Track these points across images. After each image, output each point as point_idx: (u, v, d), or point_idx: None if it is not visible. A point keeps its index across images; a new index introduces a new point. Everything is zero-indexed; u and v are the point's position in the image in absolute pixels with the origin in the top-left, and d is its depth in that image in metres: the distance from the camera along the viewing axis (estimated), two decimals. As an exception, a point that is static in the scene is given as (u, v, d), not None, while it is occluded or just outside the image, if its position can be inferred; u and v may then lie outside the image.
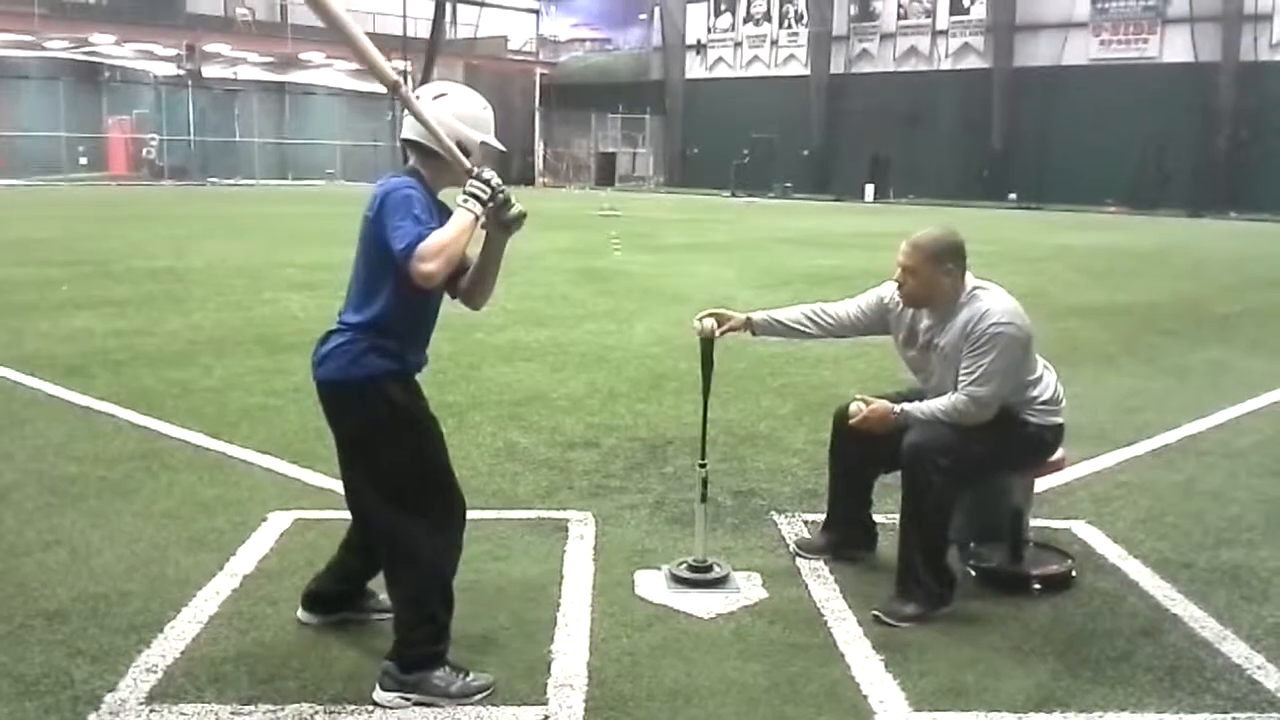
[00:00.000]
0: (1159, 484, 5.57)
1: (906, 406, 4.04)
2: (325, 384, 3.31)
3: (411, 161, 3.37)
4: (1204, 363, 9.13)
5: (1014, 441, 4.06)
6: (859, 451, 4.24)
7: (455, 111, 3.30)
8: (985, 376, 3.90)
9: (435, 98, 3.33)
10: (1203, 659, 3.61)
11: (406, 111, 3.30)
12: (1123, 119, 39.72)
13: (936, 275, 3.99)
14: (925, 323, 4.12)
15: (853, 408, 4.12)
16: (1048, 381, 4.14)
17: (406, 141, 3.35)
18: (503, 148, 3.39)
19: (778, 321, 4.40)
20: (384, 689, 3.21)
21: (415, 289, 3.12)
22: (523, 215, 3.29)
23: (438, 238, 3.07)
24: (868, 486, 4.42)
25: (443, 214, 3.25)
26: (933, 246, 4.00)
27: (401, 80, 3.26)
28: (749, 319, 4.31)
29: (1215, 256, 20.45)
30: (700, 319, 4.14)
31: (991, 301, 3.99)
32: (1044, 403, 4.10)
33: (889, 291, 4.24)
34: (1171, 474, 5.77)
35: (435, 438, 3.39)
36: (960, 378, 3.96)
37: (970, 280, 4.06)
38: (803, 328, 4.39)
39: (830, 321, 4.37)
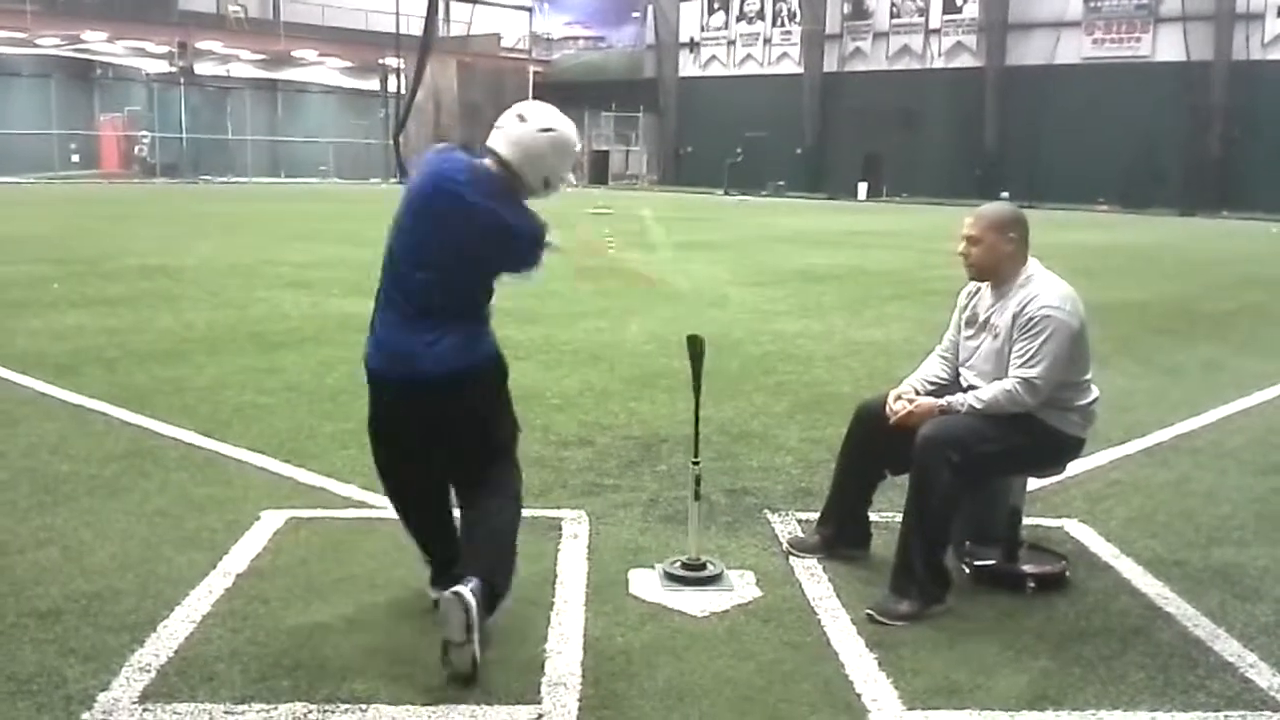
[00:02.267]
0: (1151, 483, 5.59)
1: (951, 399, 4.05)
2: (474, 371, 3.50)
3: (489, 164, 3.48)
4: (1196, 362, 9.15)
5: (1033, 445, 4.04)
6: (877, 448, 4.25)
7: (557, 149, 3.47)
8: (1036, 358, 3.91)
9: (542, 129, 3.44)
10: (1195, 657, 3.61)
11: (509, 131, 3.44)
12: (1115, 118, 39.87)
13: (1000, 243, 4.06)
14: (986, 301, 4.17)
15: (897, 405, 4.14)
16: (1092, 395, 4.13)
17: (495, 154, 3.46)
18: (575, 183, 3.62)
19: (932, 380, 4.35)
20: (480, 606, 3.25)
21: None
22: None
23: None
24: (872, 485, 4.42)
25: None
26: (996, 215, 4.12)
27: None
28: (916, 390, 4.29)
29: (1208, 256, 20.51)
30: (895, 401, 4.18)
31: (1046, 285, 4.03)
32: (1079, 408, 4.08)
33: (961, 292, 4.33)
34: (1164, 473, 5.78)
35: None
36: (1012, 362, 3.97)
37: (1032, 262, 4.11)
38: (950, 372, 4.36)
39: (951, 353, 4.37)
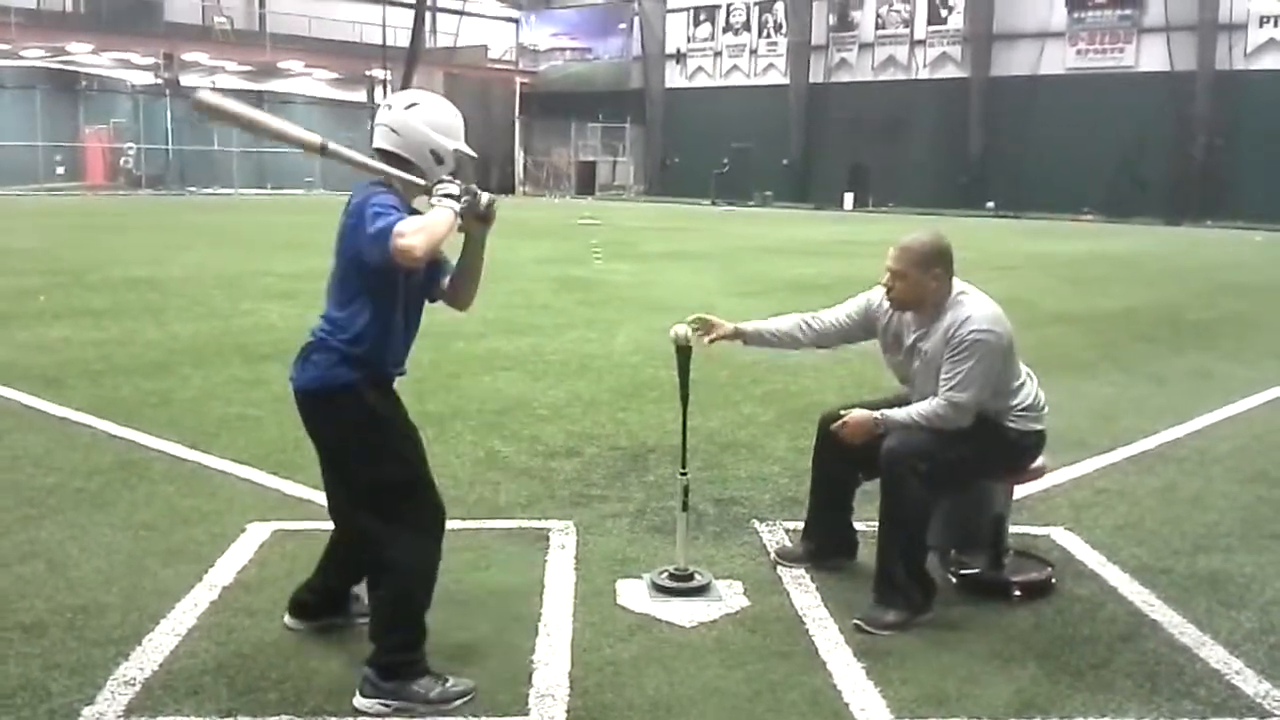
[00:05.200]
0: (1137, 490, 5.61)
1: (886, 412, 4.06)
2: (302, 393, 3.33)
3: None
4: (1181, 369, 9.19)
5: (993, 448, 4.07)
6: (841, 458, 4.25)
7: (427, 120, 3.33)
8: (964, 382, 3.92)
9: (407, 107, 3.35)
10: (1182, 664, 3.63)
11: (381, 122, 3.34)
12: (1099, 128, 40.01)
13: (925, 280, 4.01)
14: (910, 327, 4.14)
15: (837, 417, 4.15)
16: (1029, 389, 4.16)
17: (380, 151, 3.36)
18: (473, 154, 3.43)
19: (769, 333, 4.43)
20: (364, 695, 3.22)
21: (388, 294, 3.23)
22: (494, 201, 3.33)
23: (416, 219, 3.10)
24: (849, 494, 4.43)
25: None
26: (921, 251, 4.03)
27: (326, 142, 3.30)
28: (738, 329, 4.34)
29: (1192, 264, 20.61)
30: (679, 327, 4.13)
31: (973, 308, 4.01)
32: (1024, 409, 4.11)
33: (876, 297, 4.26)
34: (1150, 480, 5.80)
35: (415, 445, 3.42)
36: (940, 383, 3.98)
37: (956, 285, 4.08)
38: (793, 337, 4.42)
39: (817, 329, 4.39)
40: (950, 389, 3.94)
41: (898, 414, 4.03)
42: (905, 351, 4.17)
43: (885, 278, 4.09)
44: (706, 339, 4.25)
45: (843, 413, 4.16)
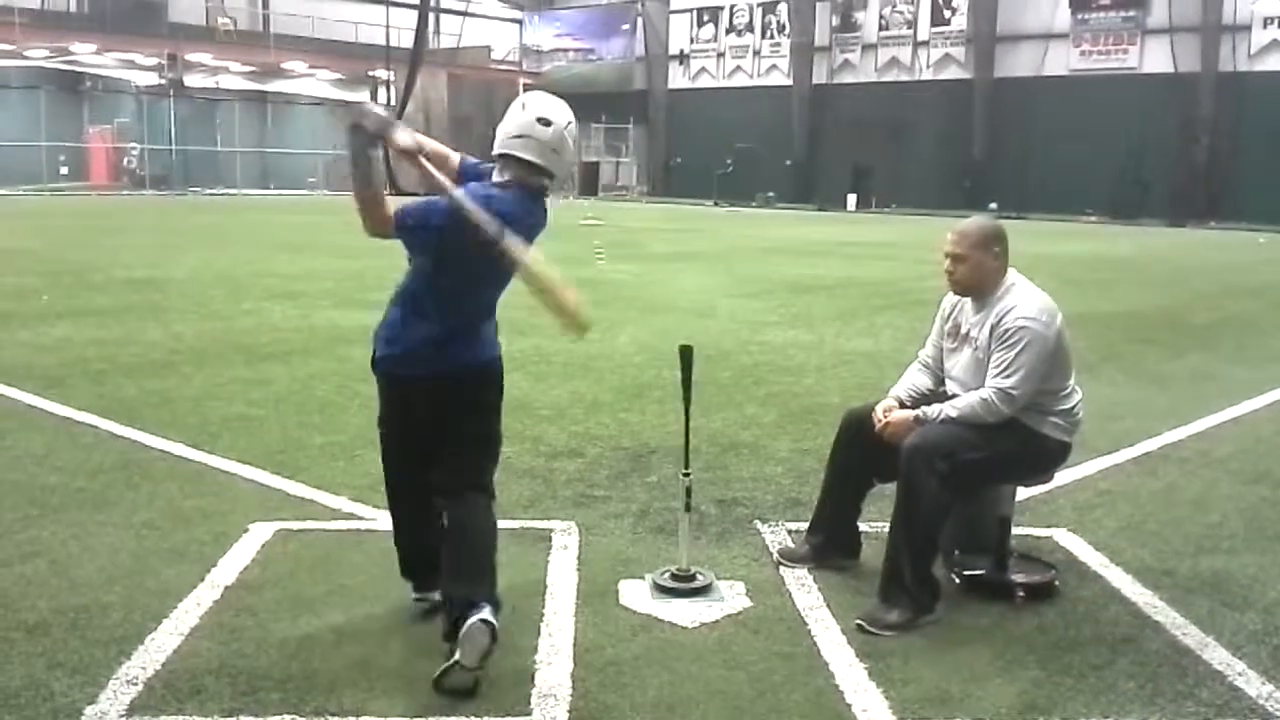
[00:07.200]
0: (1140, 492, 5.60)
1: (926, 409, 4.06)
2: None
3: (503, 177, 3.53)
4: (1184, 371, 9.18)
5: (1021, 450, 4.05)
6: (864, 456, 4.26)
7: (576, 137, 3.48)
8: (1011, 369, 3.93)
9: (566, 125, 3.47)
10: (1184, 666, 3.62)
11: (529, 136, 3.43)
12: (1103, 129, 40.04)
13: (986, 260, 4.07)
14: (968, 314, 4.18)
15: (878, 411, 4.18)
16: (1075, 400, 4.15)
17: (528, 164, 3.48)
18: (542, 163, 3.48)
19: (918, 392, 4.34)
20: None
21: (416, 280, 3.58)
22: (361, 112, 3.29)
23: None
24: (861, 495, 4.42)
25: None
26: (981, 232, 4.10)
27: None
28: (901, 403, 4.28)
29: (1195, 266, 20.59)
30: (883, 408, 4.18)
31: (1023, 296, 4.05)
32: (1063, 413, 4.10)
33: (946, 303, 4.32)
34: (1152, 482, 5.80)
35: (390, 437, 3.71)
36: (989, 372, 3.99)
37: (1011, 273, 4.13)
38: (929, 383, 4.36)
39: (931, 364, 4.39)
40: (998, 375, 3.96)
41: (939, 410, 4.03)
42: (960, 339, 4.19)
43: (946, 264, 4.14)
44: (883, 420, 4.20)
45: (883, 416, 4.16)
